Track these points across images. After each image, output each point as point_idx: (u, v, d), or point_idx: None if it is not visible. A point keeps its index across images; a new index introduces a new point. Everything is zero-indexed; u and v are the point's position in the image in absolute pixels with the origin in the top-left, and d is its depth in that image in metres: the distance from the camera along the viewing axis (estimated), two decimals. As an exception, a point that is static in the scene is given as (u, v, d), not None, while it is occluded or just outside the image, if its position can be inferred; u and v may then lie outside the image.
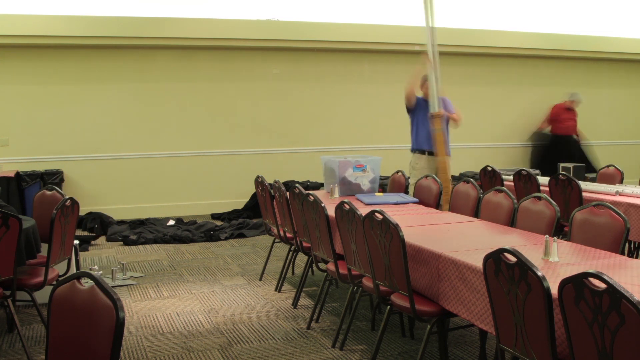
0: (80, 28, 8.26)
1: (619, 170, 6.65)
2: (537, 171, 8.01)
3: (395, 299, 3.45)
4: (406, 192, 5.74)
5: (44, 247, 4.19)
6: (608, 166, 6.85)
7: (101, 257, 6.67)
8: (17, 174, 8.01)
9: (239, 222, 8.03)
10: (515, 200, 4.27)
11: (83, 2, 8.30)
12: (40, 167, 8.40)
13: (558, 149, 10.11)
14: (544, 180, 5.95)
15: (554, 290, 2.31)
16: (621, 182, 6.49)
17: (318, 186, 8.72)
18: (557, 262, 3.00)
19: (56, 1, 8.17)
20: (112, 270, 5.66)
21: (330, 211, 4.11)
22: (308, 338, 4.21)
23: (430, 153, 6.22)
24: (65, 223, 4.15)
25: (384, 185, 6.30)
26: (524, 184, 5.97)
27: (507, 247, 2.50)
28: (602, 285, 2.05)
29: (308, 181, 9.15)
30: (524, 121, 10.78)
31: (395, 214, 4.34)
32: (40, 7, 8.11)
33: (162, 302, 5.06)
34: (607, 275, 2.03)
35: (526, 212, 4.08)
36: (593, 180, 6.74)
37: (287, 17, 9.18)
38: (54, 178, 8.21)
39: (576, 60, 10.97)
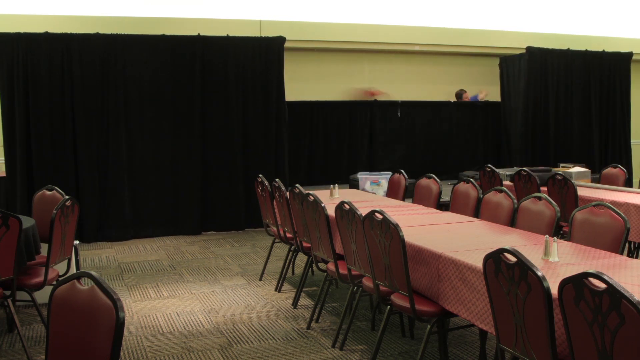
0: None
1: (623, 170, 6.54)
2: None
3: (395, 299, 3.45)
4: (406, 192, 5.78)
5: (44, 247, 4.19)
6: (613, 166, 6.70)
7: (101, 257, 6.67)
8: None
9: None
10: (515, 200, 4.26)
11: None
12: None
13: None
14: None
15: (554, 290, 2.31)
16: (625, 182, 6.41)
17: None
18: (557, 262, 3.00)
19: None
20: None
21: (330, 211, 4.11)
22: (308, 338, 4.21)
23: None
24: (65, 223, 4.15)
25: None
26: (524, 184, 5.96)
27: (507, 247, 2.50)
28: (602, 285, 2.05)
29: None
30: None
31: (395, 214, 4.33)
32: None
33: (162, 302, 5.06)
34: (607, 275, 2.04)
35: (526, 212, 4.07)
36: (596, 180, 6.65)
37: (287, 17, 9.16)
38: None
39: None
